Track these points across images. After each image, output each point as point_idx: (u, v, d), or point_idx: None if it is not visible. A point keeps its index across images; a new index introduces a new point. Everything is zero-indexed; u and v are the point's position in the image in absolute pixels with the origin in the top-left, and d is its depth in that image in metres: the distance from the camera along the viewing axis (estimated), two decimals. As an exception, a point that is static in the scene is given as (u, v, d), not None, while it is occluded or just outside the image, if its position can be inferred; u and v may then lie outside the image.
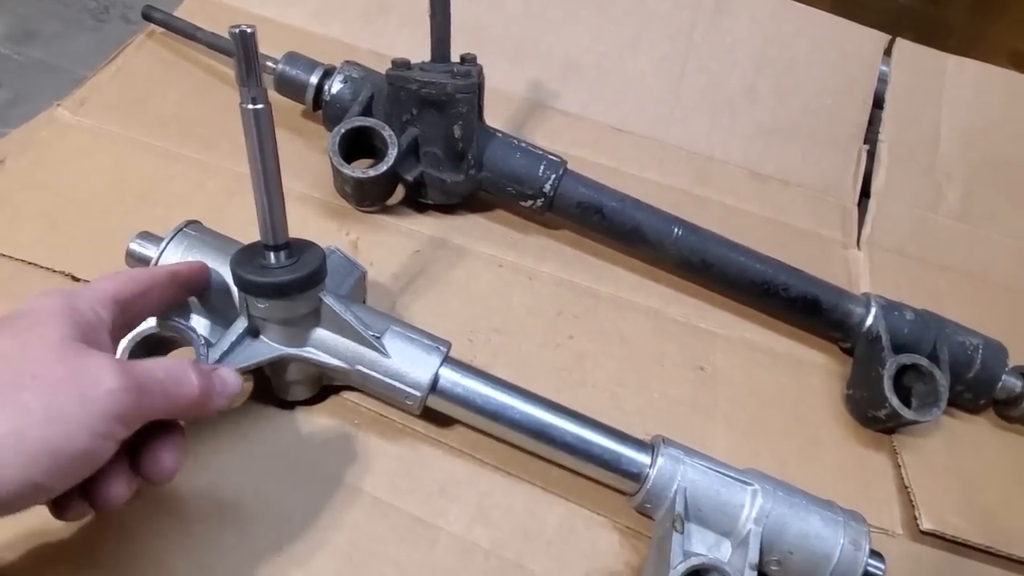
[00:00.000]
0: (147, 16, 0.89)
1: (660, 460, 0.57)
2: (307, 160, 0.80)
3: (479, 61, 0.74)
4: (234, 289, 0.55)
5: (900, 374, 0.71)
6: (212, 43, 0.84)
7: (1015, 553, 0.66)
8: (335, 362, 0.57)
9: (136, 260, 0.59)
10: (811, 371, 0.78)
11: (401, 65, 0.72)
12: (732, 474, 0.58)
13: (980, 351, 0.74)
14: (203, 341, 0.55)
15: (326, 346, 0.57)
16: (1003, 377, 0.74)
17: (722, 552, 0.56)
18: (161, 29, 0.90)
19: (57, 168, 0.75)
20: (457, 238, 0.78)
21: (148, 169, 0.76)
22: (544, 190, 0.76)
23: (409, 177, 0.75)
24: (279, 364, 0.58)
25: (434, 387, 0.58)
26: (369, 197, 0.76)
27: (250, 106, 0.46)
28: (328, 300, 0.55)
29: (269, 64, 0.80)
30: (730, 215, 0.90)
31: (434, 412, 0.61)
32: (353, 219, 0.77)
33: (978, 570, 0.65)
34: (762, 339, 0.79)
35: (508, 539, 0.59)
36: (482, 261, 0.77)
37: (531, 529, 0.59)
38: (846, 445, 0.72)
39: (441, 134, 0.73)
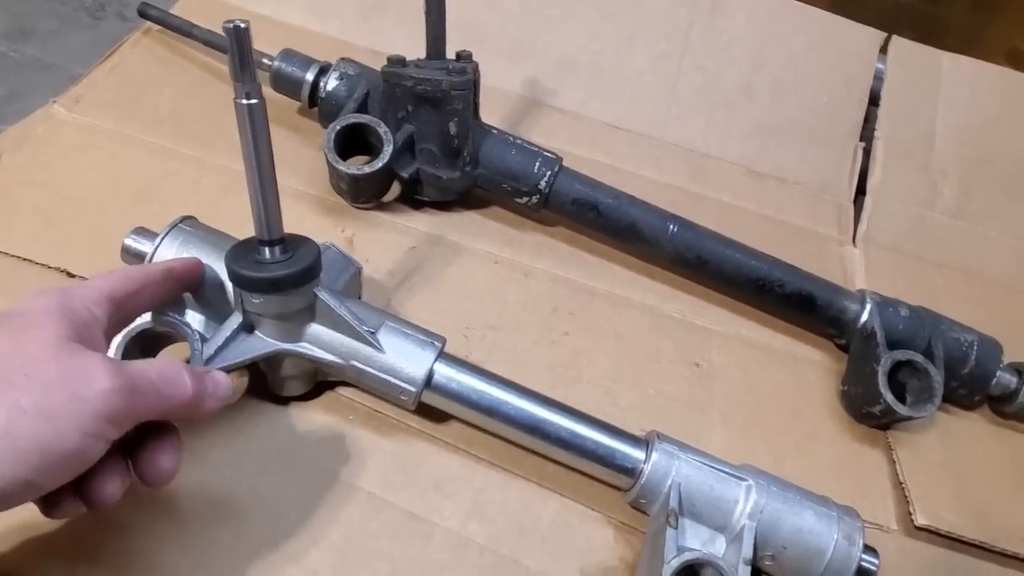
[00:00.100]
0: (143, 13, 0.89)
1: (654, 455, 0.57)
2: (303, 157, 0.80)
3: (476, 58, 0.74)
4: (229, 284, 0.55)
5: (895, 370, 0.71)
6: (208, 40, 0.84)
7: (1009, 548, 0.66)
8: (330, 357, 0.57)
9: (131, 256, 0.59)
10: (807, 368, 0.78)
11: (397, 62, 0.72)
12: (726, 469, 0.58)
13: (975, 347, 0.74)
14: (198, 336, 0.55)
15: (321, 341, 0.57)
16: (998, 373, 0.75)
17: (716, 547, 0.56)
18: (157, 26, 0.90)
19: (53, 165, 0.75)
20: (453, 235, 0.78)
21: (144, 166, 0.76)
22: (539, 187, 0.76)
23: (405, 174, 0.75)
24: (274, 360, 0.58)
25: (429, 383, 0.58)
26: (365, 194, 0.77)
27: (244, 101, 0.46)
28: (323, 295, 0.55)
29: (265, 61, 0.80)
30: (727, 213, 0.90)
31: (429, 408, 0.61)
32: (349, 216, 0.77)
33: (972, 565, 0.66)
34: (758, 336, 0.79)
35: (503, 535, 0.59)
36: (478, 258, 0.77)
37: (526, 525, 0.60)
38: (841, 441, 0.72)
39: (437, 131, 0.73)
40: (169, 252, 0.58)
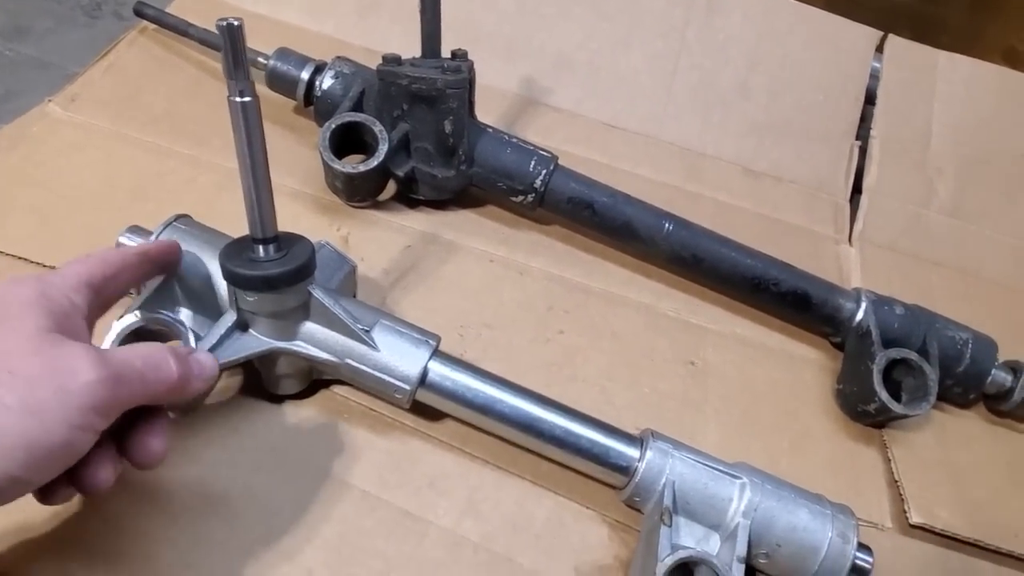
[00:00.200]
0: (139, 12, 0.89)
1: (649, 454, 0.57)
2: (299, 156, 0.80)
3: (472, 57, 0.74)
4: (223, 282, 0.55)
5: (890, 368, 0.71)
6: (204, 39, 0.84)
7: (1004, 547, 0.66)
8: (324, 356, 0.57)
9: (125, 254, 0.59)
10: (802, 366, 0.78)
11: (392, 61, 0.72)
12: (721, 467, 0.58)
13: (970, 345, 0.74)
14: (192, 335, 0.55)
15: (315, 340, 0.57)
16: (993, 372, 0.75)
17: (710, 545, 0.56)
18: (153, 25, 0.90)
19: (48, 163, 0.75)
20: (448, 233, 0.78)
21: (139, 165, 0.76)
22: (535, 185, 0.76)
23: (400, 172, 0.75)
24: (268, 358, 0.58)
25: (423, 381, 0.58)
26: (360, 192, 0.77)
27: (238, 99, 0.46)
28: (317, 293, 0.55)
29: (261, 60, 0.80)
30: (723, 211, 0.90)
31: (424, 406, 0.61)
32: (344, 214, 0.77)
33: (967, 563, 0.66)
34: (753, 334, 0.79)
35: (497, 533, 0.59)
36: (473, 256, 0.77)
37: (520, 523, 0.60)
38: (836, 439, 0.72)
39: (432, 129, 0.73)
40: (163, 250, 0.58)
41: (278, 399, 0.62)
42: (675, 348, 0.75)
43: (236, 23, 0.43)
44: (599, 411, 0.62)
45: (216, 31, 0.43)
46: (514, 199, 0.78)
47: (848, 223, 0.94)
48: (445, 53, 0.74)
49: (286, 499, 0.57)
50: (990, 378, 0.75)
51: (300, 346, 0.57)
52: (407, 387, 0.58)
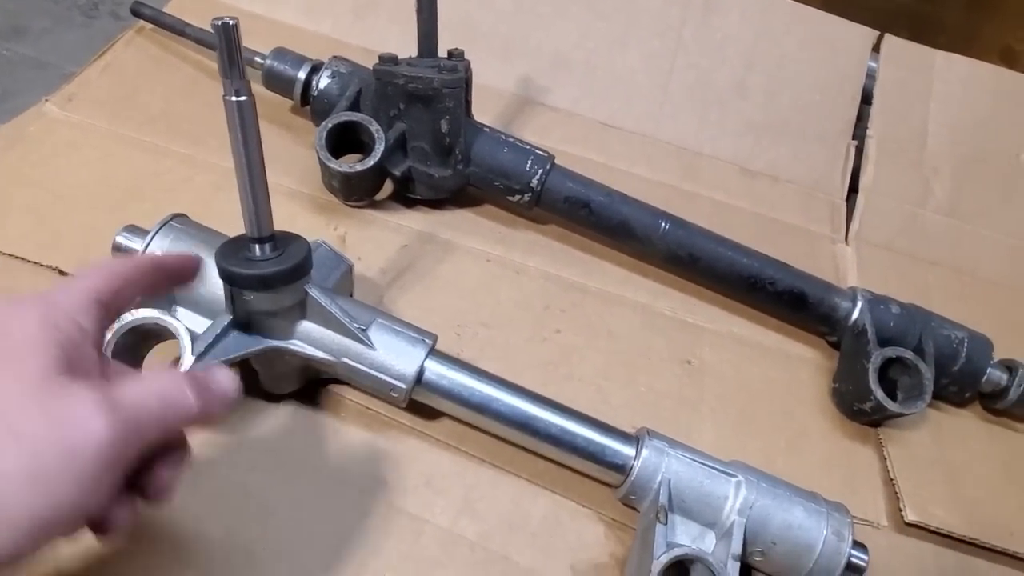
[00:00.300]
0: (136, 12, 0.89)
1: (644, 452, 0.58)
2: (295, 155, 0.81)
3: (468, 56, 0.74)
4: (219, 281, 0.55)
5: (885, 367, 0.71)
6: (201, 39, 0.84)
7: (999, 545, 0.66)
8: (321, 354, 0.57)
9: (123, 254, 0.59)
10: (798, 365, 0.78)
11: (388, 60, 0.72)
12: (716, 466, 0.58)
13: (965, 344, 0.74)
14: (188, 334, 0.55)
15: (312, 339, 0.57)
16: (988, 370, 0.75)
17: (706, 543, 0.56)
18: (150, 25, 0.90)
19: (45, 163, 0.75)
20: (445, 233, 0.79)
21: (136, 164, 0.76)
22: (531, 185, 0.76)
23: (397, 172, 0.75)
24: (265, 356, 0.58)
25: (419, 379, 0.58)
26: (357, 192, 0.77)
27: (233, 98, 0.46)
28: (313, 292, 0.55)
29: (257, 60, 0.80)
30: (720, 211, 0.91)
31: (420, 405, 0.61)
32: (341, 214, 0.78)
33: (962, 562, 0.66)
34: (750, 333, 0.79)
35: (494, 531, 0.59)
36: (470, 256, 0.78)
37: (517, 521, 0.60)
38: (832, 438, 0.72)
39: (428, 129, 0.73)
40: (160, 250, 0.58)
41: (275, 398, 0.62)
42: (671, 347, 0.75)
43: (231, 22, 0.43)
44: (595, 410, 0.62)
45: (211, 31, 0.43)
46: (511, 198, 0.78)
47: (844, 222, 0.94)
48: (442, 53, 0.74)
49: (282, 498, 0.57)
50: (986, 377, 0.75)
51: (297, 345, 0.57)
52: (403, 386, 0.58)
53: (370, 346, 0.57)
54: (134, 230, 0.60)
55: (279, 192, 0.74)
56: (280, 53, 0.80)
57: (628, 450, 0.58)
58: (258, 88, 0.77)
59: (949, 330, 0.75)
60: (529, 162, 0.76)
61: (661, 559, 0.52)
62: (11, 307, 0.38)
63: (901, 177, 0.98)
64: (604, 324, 0.75)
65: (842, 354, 0.76)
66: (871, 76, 1.01)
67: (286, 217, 0.70)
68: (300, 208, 0.77)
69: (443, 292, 0.73)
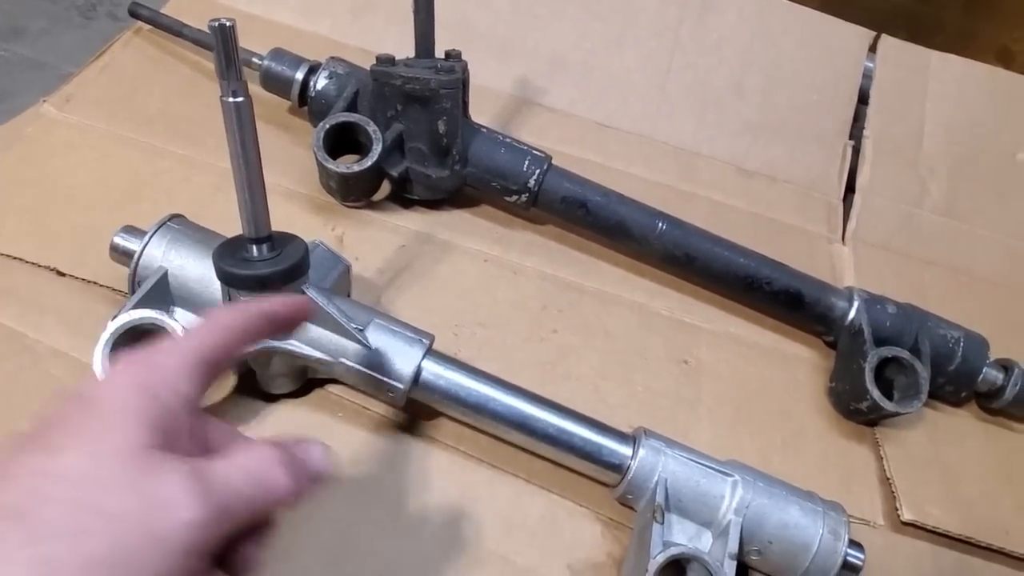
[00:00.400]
0: (134, 13, 0.89)
1: (641, 451, 0.58)
2: (293, 156, 0.81)
3: (466, 57, 0.74)
4: (217, 281, 0.55)
5: (882, 367, 0.71)
6: (199, 40, 0.84)
7: (995, 544, 0.66)
8: (318, 355, 0.57)
9: (120, 254, 0.59)
10: (795, 365, 0.78)
11: (385, 61, 0.72)
12: (713, 465, 0.58)
13: (961, 344, 0.75)
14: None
15: (309, 339, 0.57)
16: (984, 370, 0.75)
17: (703, 542, 0.56)
18: (148, 26, 0.90)
19: (43, 164, 0.75)
20: (442, 233, 0.79)
21: (134, 165, 0.77)
22: (529, 185, 0.76)
23: (394, 172, 0.75)
24: (263, 357, 0.58)
25: (417, 380, 0.59)
26: (354, 192, 0.77)
27: (231, 99, 0.46)
28: (311, 293, 0.55)
29: (255, 60, 0.80)
30: (717, 211, 0.91)
31: (418, 405, 0.61)
32: (339, 214, 0.78)
33: (958, 560, 0.66)
34: (747, 333, 0.79)
35: (491, 531, 0.59)
36: (467, 256, 0.78)
37: (514, 521, 0.60)
38: (829, 437, 0.72)
39: (425, 129, 0.73)
40: (158, 250, 0.58)
41: (272, 398, 0.62)
42: (668, 347, 0.75)
43: (228, 23, 0.43)
44: (592, 410, 0.62)
45: (209, 32, 0.44)
46: (508, 199, 0.78)
47: (841, 222, 0.95)
48: (439, 53, 0.74)
49: (280, 498, 0.57)
50: (982, 376, 0.75)
51: (294, 345, 0.57)
52: (401, 386, 0.58)
53: (367, 346, 0.57)
54: (132, 230, 0.60)
55: (277, 192, 0.75)
56: (277, 54, 0.80)
57: (625, 450, 0.59)
58: (256, 89, 0.77)
59: (945, 330, 0.75)
60: (526, 162, 0.76)
61: (658, 558, 0.52)
62: (114, 374, 0.37)
63: (897, 177, 0.98)
64: (601, 324, 0.75)
65: (838, 354, 0.77)
66: (867, 76, 1.02)
67: (284, 217, 0.70)
68: (298, 208, 0.77)
69: (440, 292, 0.73)
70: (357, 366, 0.58)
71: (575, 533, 0.60)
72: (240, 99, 0.46)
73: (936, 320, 0.76)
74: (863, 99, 1.01)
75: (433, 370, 0.59)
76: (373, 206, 0.79)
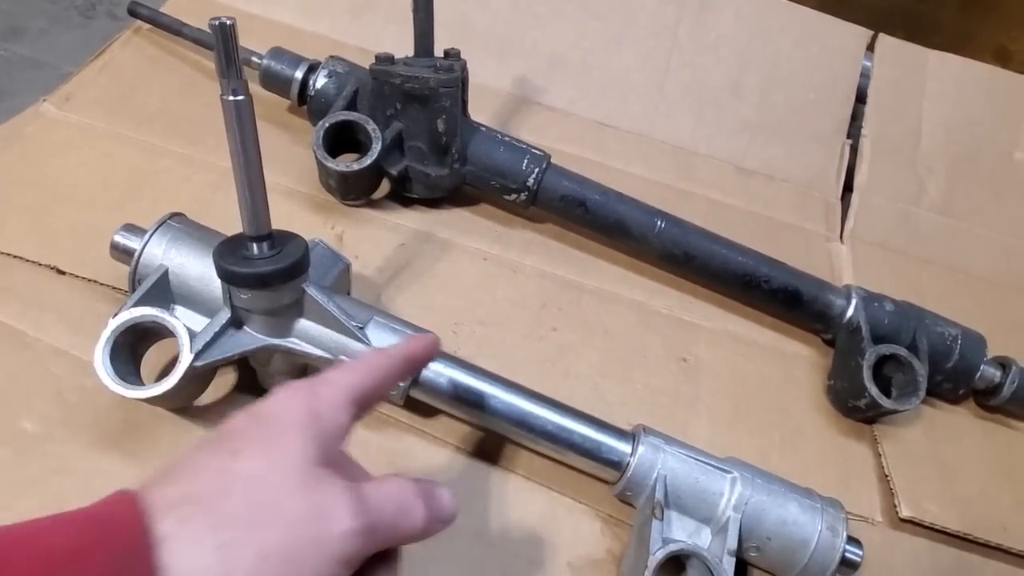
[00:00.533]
0: (133, 12, 0.89)
1: (640, 448, 0.58)
2: (293, 155, 0.81)
3: (465, 56, 0.75)
4: (217, 280, 0.55)
5: (880, 364, 0.72)
6: (198, 39, 0.84)
7: (992, 540, 0.66)
8: (318, 352, 0.58)
9: (120, 252, 0.59)
10: (794, 362, 0.78)
11: (385, 60, 0.72)
12: (712, 462, 0.58)
13: (959, 341, 0.75)
14: (186, 332, 0.56)
15: (309, 337, 0.58)
16: (982, 367, 0.75)
17: (702, 539, 0.57)
18: (147, 25, 0.90)
19: (43, 163, 0.75)
20: (442, 232, 0.79)
21: (133, 163, 0.77)
22: (528, 184, 0.77)
23: (394, 171, 0.76)
24: (263, 355, 0.58)
25: (417, 378, 0.59)
26: (354, 191, 0.77)
27: (231, 98, 0.46)
28: (311, 291, 0.55)
29: (254, 59, 0.80)
30: (715, 210, 0.91)
31: (417, 402, 0.61)
32: (339, 213, 0.78)
33: (956, 557, 0.66)
34: (745, 331, 0.80)
35: (490, 528, 0.59)
36: (467, 254, 0.78)
37: (514, 517, 0.60)
38: (827, 435, 0.73)
39: (425, 128, 0.73)
40: (158, 249, 0.58)
41: (272, 396, 0.62)
42: (667, 345, 0.76)
43: (228, 22, 0.43)
44: (592, 407, 0.62)
45: (209, 30, 0.44)
46: (507, 197, 0.79)
47: (839, 221, 0.95)
48: (438, 52, 0.75)
49: (281, 495, 0.57)
50: (979, 373, 0.75)
51: (294, 343, 0.57)
52: (401, 384, 0.58)
53: (368, 344, 0.58)
54: (132, 229, 0.60)
55: (276, 191, 0.75)
56: (277, 53, 0.80)
57: (624, 447, 0.59)
58: (255, 88, 0.78)
59: (943, 327, 0.76)
60: (525, 161, 0.77)
61: (657, 555, 0.53)
62: (282, 397, 0.40)
63: (895, 176, 0.98)
64: (600, 322, 0.76)
65: (837, 351, 0.77)
66: (865, 75, 1.02)
67: (284, 216, 0.70)
68: (297, 207, 0.77)
69: (440, 290, 0.74)
70: (357, 364, 0.58)
71: (575, 530, 0.61)
72: (240, 98, 0.46)
73: (934, 318, 0.77)
74: (861, 98, 1.01)
75: (433, 368, 0.59)
76: (373, 204, 0.80)
